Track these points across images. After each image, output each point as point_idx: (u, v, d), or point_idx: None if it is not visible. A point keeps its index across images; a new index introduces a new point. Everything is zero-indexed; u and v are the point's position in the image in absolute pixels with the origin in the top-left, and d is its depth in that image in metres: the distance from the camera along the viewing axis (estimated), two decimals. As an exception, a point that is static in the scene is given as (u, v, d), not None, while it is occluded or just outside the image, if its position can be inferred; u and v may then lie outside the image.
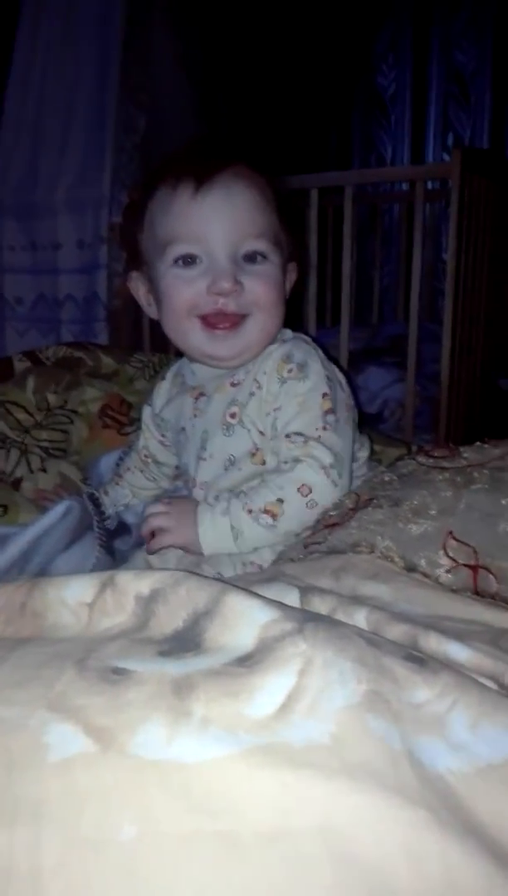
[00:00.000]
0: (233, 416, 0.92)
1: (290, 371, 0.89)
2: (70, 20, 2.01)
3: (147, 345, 2.00)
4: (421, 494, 0.65)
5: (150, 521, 0.91)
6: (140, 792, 0.36)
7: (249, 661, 0.43)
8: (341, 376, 0.94)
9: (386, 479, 0.73)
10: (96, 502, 0.98)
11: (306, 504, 0.83)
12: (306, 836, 0.35)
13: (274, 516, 0.83)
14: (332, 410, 0.87)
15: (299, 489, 0.83)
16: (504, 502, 0.61)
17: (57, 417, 1.27)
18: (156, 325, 2.03)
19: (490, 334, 1.86)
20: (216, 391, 0.95)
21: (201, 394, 0.97)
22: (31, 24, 2.03)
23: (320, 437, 0.85)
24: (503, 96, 2.66)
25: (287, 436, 0.87)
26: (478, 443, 0.72)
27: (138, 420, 1.28)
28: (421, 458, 0.72)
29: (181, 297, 0.91)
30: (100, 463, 1.18)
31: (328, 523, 0.73)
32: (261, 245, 0.91)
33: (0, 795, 0.36)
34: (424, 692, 0.42)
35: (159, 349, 1.90)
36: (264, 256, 0.91)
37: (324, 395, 0.88)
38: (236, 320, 0.90)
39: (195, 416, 0.97)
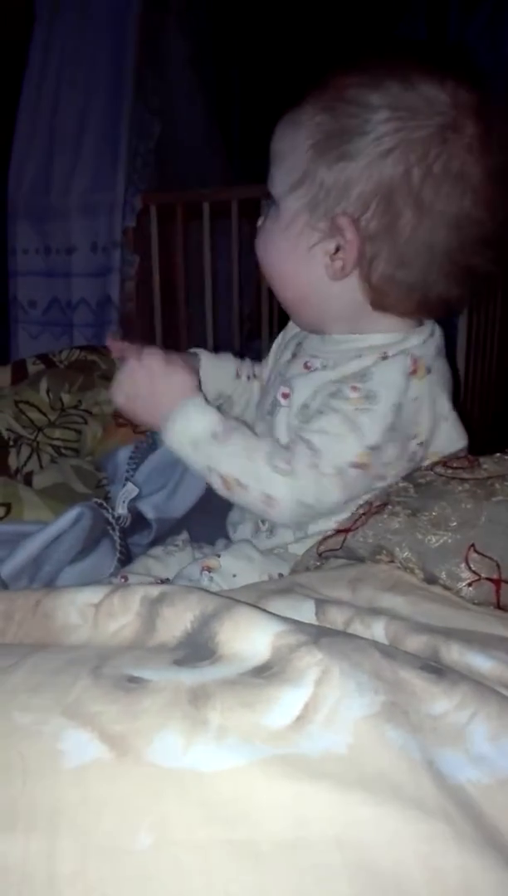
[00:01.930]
0: (285, 396, 0.80)
1: (354, 389, 0.73)
2: (84, 24, 2.02)
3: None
4: (441, 506, 0.64)
5: (122, 379, 0.80)
6: (156, 800, 0.36)
7: (266, 673, 0.43)
8: (427, 418, 0.76)
9: (401, 485, 0.72)
10: (104, 507, 0.97)
11: (260, 511, 0.75)
12: (323, 846, 0.35)
13: (228, 488, 0.75)
14: (363, 466, 0.72)
15: (264, 498, 0.74)
16: (527, 515, 0.61)
17: (71, 417, 1.27)
18: (168, 328, 2.04)
19: (504, 342, 1.85)
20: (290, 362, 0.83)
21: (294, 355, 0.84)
22: (45, 28, 2.03)
23: (324, 474, 0.72)
24: (518, 102, 2.65)
25: (303, 438, 0.74)
26: (498, 454, 0.71)
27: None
28: (439, 469, 0.71)
29: None
30: (117, 455, 1.17)
31: (340, 528, 0.73)
32: (271, 183, 0.76)
33: (16, 802, 0.36)
34: (443, 703, 0.42)
35: (172, 353, 1.90)
36: (274, 198, 0.76)
37: (371, 448, 0.72)
38: None
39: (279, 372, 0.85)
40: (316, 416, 0.75)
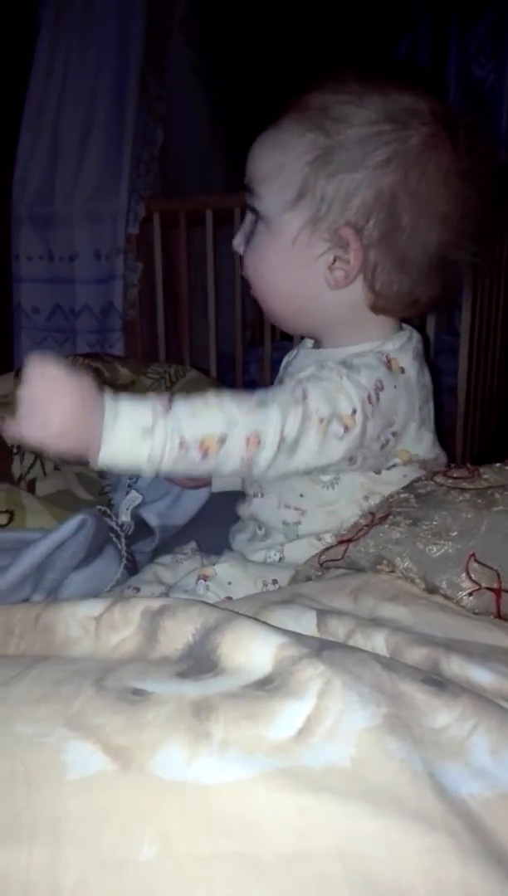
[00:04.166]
0: None
1: (336, 368, 0.74)
2: (88, 32, 2.03)
3: (163, 355, 2.01)
4: (441, 515, 0.64)
5: (22, 392, 0.64)
6: (159, 812, 0.36)
7: (268, 685, 0.43)
8: (403, 411, 0.76)
9: (402, 496, 0.72)
10: (107, 514, 0.97)
11: (242, 461, 0.68)
12: (326, 858, 0.35)
13: (205, 454, 0.67)
14: (346, 429, 0.71)
15: (247, 438, 0.67)
16: (527, 525, 0.61)
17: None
18: (171, 335, 2.05)
19: (506, 349, 1.85)
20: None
21: None
22: (49, 35, 2.04)
23: (309, 414, 0.69)
24: (520, 110, 2.66)
25: (296, 378, 0.75)
26: (498, 464, 0.71)
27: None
28: (440, 479, 0.71)
29: None
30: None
31: (341, 539, 0.73)
32: (254, 198, 0.77)
33: (19, 813, 0.37)
34: (444, 716, 0.42)
35: (175, 359, 1.90)
36: (260, 213, 0.77)
37: (353, 411, 0.71)
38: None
39: None
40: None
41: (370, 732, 0.40)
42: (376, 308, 0.78)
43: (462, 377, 1.55)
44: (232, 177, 2.47)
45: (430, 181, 0.73)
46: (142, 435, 0.65)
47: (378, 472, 0.79)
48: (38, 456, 1.18)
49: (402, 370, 0.78)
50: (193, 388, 1.43)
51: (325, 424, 0.70)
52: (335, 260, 0.75)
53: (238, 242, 0.81)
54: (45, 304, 2.10)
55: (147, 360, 1.78)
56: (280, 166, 0.75)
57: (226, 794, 0.37)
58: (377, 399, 0.74)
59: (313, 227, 0.75)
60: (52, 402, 0.64)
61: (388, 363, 0.77)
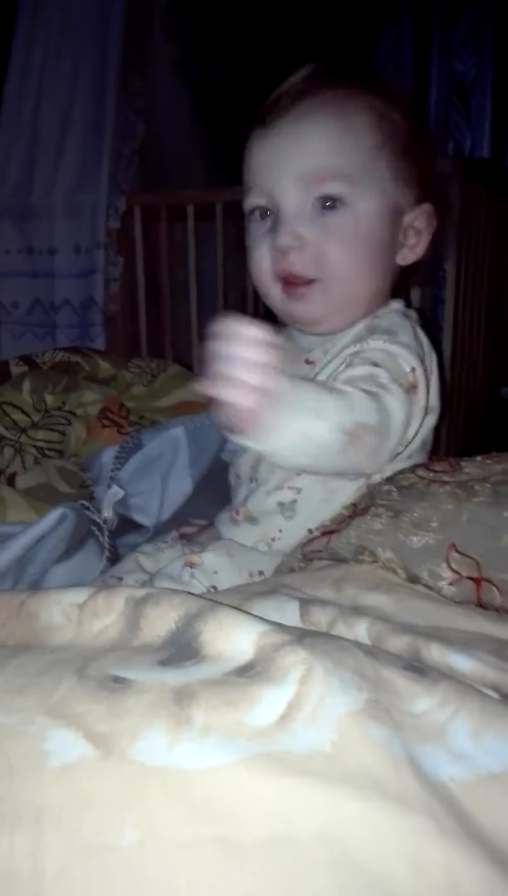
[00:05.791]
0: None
1: (373, 333, 0.77)
2: (68, 25, 2.02)
3: (144, 350, 2.00)
4: (422, 507, 0.64)
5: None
6: (141, 798, 0.36)
7: (250, 672, 0.43)
8: (435, 374, 0.81)
9: (384, 488, 0.73)
10: (88, 508, 0.97)
11: (373, 450, 0.70)
12: (307, 842, 0.35)
13: (352, 441, 0.66)
14: (415, 388, 0.74)
15: (380, 429, 0.70)
16: (507, 515, 0.61)
17: (55, 418, 1.27)
18: (153, 330, 2.04)
19: (490, 343, 1.87)
20: (293, 364, 0.82)
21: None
22: (28, 28, 2.03)
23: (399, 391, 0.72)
24: (503, 106, 2.68)
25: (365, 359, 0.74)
26: (479, 458, 0.72)
27: (137, 424, 1.28)
28: (421, 472, 0.71)
29: (255, 256, 0.80)
30: (102, 455, 1.17)
31: (324, 530, 0.73)
32: (336, 187, 0.75)
33: (1, 802, 0.36)
34: (424, 701, 0.42)
35: (157, 354, 1.90)
36: (342, 202, 0.75)
37: (412, 368, 0.74)
38: (305, 283, 0.77)
39: None
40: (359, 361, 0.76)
41: (351, 717, 0.40)
42: (412, 281, 0.84)
43: (445, 370, 1.56)
44: (214, 171, 2.46)
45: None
46: (317, 416, 0.65)
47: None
48: (18, 450, 1.18)
49: (417, 321, 0.83)
50: (174, 383, 1.43)
51: (408, 393, 0.73)
52: (409, 235, 0.80)
53: (301, 233, 0.76)
54: (24, 298, 2.09)
55: (129, 354, 1.78)
56: (359, 151, 0.75)
57: (207, 779, 0.37)
58: (422, 349, 0.79)
59: (398, 206, 0.78)
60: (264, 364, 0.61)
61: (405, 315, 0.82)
